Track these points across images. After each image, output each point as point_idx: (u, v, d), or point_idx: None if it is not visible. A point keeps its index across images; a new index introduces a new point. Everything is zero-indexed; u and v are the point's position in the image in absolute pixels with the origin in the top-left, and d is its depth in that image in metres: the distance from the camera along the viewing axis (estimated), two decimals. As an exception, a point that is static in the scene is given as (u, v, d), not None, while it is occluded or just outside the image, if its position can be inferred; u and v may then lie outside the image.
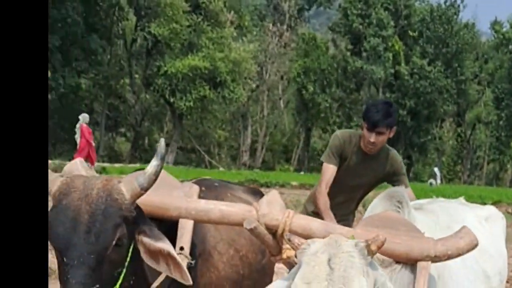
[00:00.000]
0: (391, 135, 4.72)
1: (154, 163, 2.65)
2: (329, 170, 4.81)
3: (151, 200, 2.96)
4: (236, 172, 24.81)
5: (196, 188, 3.30)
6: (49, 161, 18.94)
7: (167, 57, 30.52)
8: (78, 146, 19.59)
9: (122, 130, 35.57)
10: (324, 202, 4.72)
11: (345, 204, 4.95)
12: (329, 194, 4.81)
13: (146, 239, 2.70)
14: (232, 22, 34.70)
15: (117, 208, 2.58)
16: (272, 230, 2.96)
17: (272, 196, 3.10)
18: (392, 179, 4.87)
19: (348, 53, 40.75)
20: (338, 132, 4.96)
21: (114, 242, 2.54)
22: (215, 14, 32.17)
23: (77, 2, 26.79)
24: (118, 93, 32.72)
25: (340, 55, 41.42)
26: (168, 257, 2.72)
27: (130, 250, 2.68)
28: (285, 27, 41.06)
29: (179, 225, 3.03)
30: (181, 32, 30.14)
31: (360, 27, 39.31)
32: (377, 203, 3.41)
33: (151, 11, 30.43)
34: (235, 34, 33.90)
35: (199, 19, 31.23)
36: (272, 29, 40.08)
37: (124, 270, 2.64)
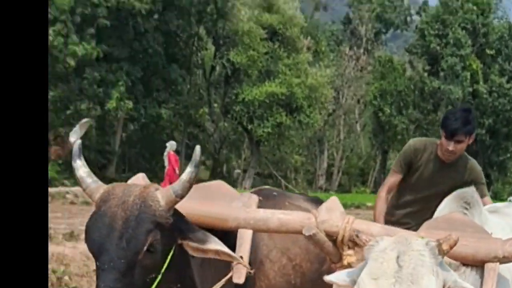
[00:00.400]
0: (470, 141, 4.60)
1: (188, 170, 2.74)
2: (392, 176, 4.77)
3: (210, 211, 3.05)
4: (312, 195, 24.77)
5: (254, 198, 3.31)
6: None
7: (245, 85, 30.81)
8: (165, 174, 20.19)
9: (202, 158, 36.01)
10: (379, 208, 4.65)
11: (420, 213, 4.73)
12: (404, 202, 4.78)
13: (193, 244, 2.75)
14: (308, 48, 34.82)
15: (150, 214, 2.63)
16: (333, 237, 2.92)
17: (332, 203, 3.07)
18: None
19: (425, 74, 40.10)
20: (411, 140, 4.91)
21: (145, 248, 2.58)
22: (292, 40, 32.34)
23: (158, 33, 27.58)
24: (197, 122, 33.26)
25: (417, 76, 40.73)
26: (218, 251, 2.76)
27: (169, 257, 2.70)
28: (361, 50, 40.89)
29: (238, 235, 3.05)
30: (258, 59, 30.45)
31: (437, 47, 38.70)
32: (445, 205, 3.33)
33: (229, 39, 30.91)
34: (311, 59, 34.02)
35: (276, 46, 31.51)
36: (349, 53, 40.00)
37: (159, 277, 2.65)
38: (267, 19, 31.53)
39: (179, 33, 29.45)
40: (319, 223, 2.98)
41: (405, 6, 43.57)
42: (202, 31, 31.01)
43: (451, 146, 4.50)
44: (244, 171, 34.74)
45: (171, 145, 20.39)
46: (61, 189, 20.77)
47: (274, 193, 3.86)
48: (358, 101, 41.89)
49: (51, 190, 19.32)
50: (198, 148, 2.88)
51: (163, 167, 33.01)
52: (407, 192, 4.82)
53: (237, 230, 3.08)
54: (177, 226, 2.76)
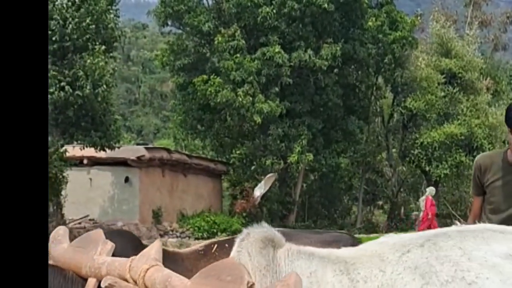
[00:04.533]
0: None
1: None
2: (474, 203, 4.11)
3: (74, 259, 2.98)
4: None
5: (108, 245, 3.02)
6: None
7: (423, 128, 30.20)
8: (421, 217, 20.58)
9: (380, 202, 35.59)
10: None
11: None
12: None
13: None
14: (488, 89, 33.39)
15: None
16: None
17: (149, 248, 2.80)
18: None
19: None
20: (477, 156, 4.19)
21: None
22: (470, 82, 31.22)
23: (337, 87, 27.54)
24: (375, 168, 32.86)
25: None
26: None
27: None
28: (543, 87, 38.47)
29: (86, 284, 2.93)
30: (436, 103, 29.66)
31: None
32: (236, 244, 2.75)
33: (407, 86, 30.34)
34: (490, 99, 32.67)
35: (455, 89, 30.54)
36: (529, 90, 37.74)
37: None
38: (446, 64, 30.61)
39: (358, 85, 29.24)
40: (127, 270, 2.69)
41: None
42: (380, 80, 30.59)
43: None
44: (421, 212, 33.83)
45: (430, 190, 20.54)
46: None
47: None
48: (541, 137, 39.31)
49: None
50: None
51: (346, 212, 33.20)
52: (488, 214, 4.01)
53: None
54: None
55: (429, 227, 19.15)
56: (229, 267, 2.52)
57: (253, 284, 2.42)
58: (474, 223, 3.77)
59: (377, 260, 2.41)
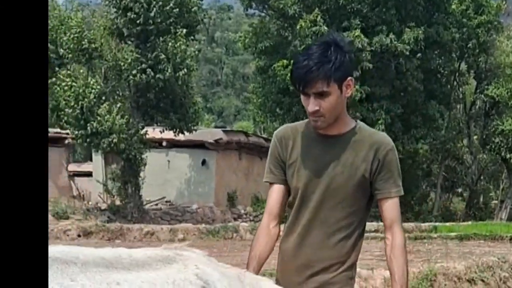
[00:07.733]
0: (349, 93, 2.62)
1: None
2: (270, 192, 2.88)
3: None
4: None
5: None
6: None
7: (505, 116, 28.80)
8: None
9: (459, 190, 34.36)
10: (254, 244, 2.83)
11: (318, 238, 2.81)
12: (290, 224, 2.91)
13: None
14: None
15: None
16: None
17: None
18: (377, 178, 2.75)
19: None
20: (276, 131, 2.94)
21: None
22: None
23: (418, 72, 26.54)
24: (455, 155, 31.65)
25: None
26: None
27: None
28: None
29: None
30: (519, 90, 28.22)
31: None
32: None
33: (491, 73, 28.97)
34: None
35: (541, 77, 28.93)
36: None
37: None
38: (531, 50, 29.02)
39: (440, 70, 28.07)
40: None
41: None
42: (463, 66, 29.28)
43: (311, 105, 2.60)
44: (502, 201, 32.45)
45: None
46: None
47: None
48: None
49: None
50: None
51: (423, 199, 32.21)
52: (293, 204, 2.88)
53: None
54: None
55: None
56: None
57: None
58: (271, 221, 2.90)
59: None
